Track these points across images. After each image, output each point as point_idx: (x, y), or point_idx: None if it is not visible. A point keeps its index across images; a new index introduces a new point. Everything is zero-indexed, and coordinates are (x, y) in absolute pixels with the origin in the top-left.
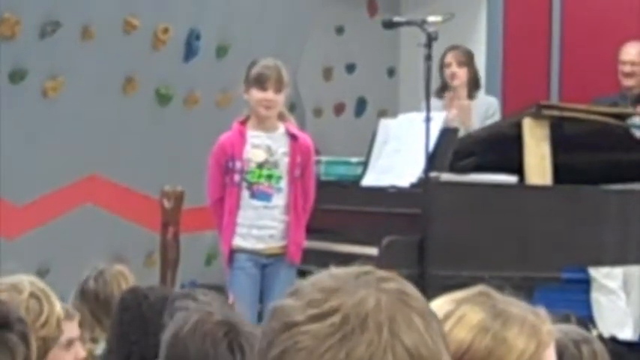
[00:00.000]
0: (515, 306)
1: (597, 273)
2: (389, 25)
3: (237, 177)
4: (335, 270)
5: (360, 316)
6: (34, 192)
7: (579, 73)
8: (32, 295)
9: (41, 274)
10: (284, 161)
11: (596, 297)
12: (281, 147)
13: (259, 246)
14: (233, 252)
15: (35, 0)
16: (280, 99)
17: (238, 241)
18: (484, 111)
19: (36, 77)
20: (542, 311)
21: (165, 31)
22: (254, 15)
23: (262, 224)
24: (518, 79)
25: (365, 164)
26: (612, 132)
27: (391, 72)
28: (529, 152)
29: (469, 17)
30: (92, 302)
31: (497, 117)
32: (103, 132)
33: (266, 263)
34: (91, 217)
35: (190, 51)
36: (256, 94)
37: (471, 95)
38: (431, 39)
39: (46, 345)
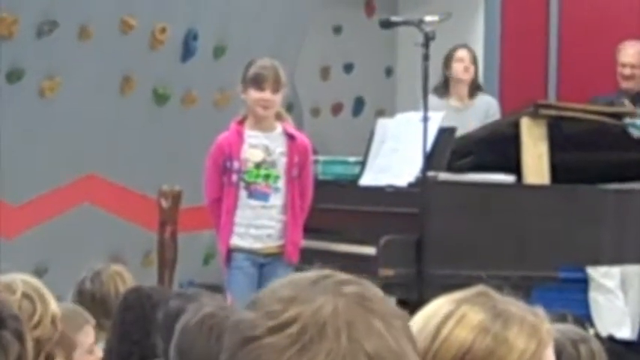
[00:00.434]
0: (514, 306)
1: (595, 272)
2: (386, 24)
3: (234, 177)
4: (294, 276)
5: (317, 324)
6: (32, 191)
7: (577, 72)
8: (25, 295)
9: (39, 273)
10: (281, 161)
11: (594, 296)
12: (278, 147)
13: (257, 245)
14: (230, 251)
15: None
16: (278, 99)
17: (236, 241)
18: (484, 111)
19: (33, 77)
20: (540, 310)
21: (163, 30)
22: (251, 15)
23: (260, 224)
24: (515, 79)
25: (362, 164)
26: (610, 131)
27: (389, 71)
28: (526, 151)
29: (466, 17)
30: (89, 302)
31: (496, 117)
32: (101, 132)
33: (264, 262)
34: (88, 216)
35: (188, 51)
36: (254, 94)
37: (471, 95)
38: (428, 39)
39: (40, 345)
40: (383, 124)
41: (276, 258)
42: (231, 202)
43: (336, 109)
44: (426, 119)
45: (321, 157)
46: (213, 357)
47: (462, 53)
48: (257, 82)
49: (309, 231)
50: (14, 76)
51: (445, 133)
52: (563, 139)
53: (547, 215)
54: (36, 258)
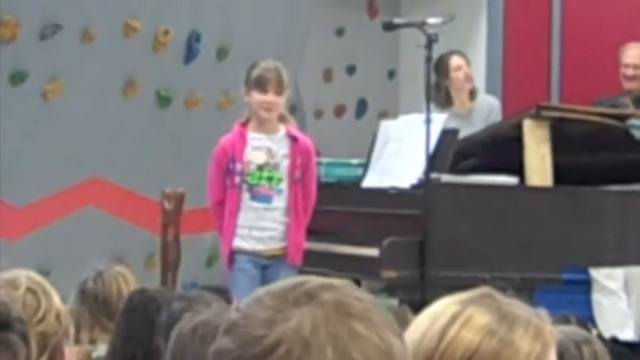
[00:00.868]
0: (519, 307)
1: (598, 274)
2: (389, 26)
3: (237, 179)
4: (260, 293)
5: (300, 342)
6: (35, 194)
7: (579, 74)
8: (29, 289)
9: (42, 275)
10: (284, 163)
11: (597, 298)
12: (281, 149)
13: (259, 247)
14: (233, 253)
15: (36, 2)
16: (281, 101)
17: (238, 243)
18: (487, 111)
19: (36, 79)
20: (543, 312)
21: (166, 33)
22: (254, 17)
23: (263, 226)
24: (518, 81)
25: (365, 166)
26: (612, 133)
27: (391, 74)
28: (529, 153)
29: (469, 19)
30: (91, 303)
31: (499, 119)
32: (104, 134)
33: (266, 264)
34: (91, 219)
35: (191, 53)
36: (257, 96)
37: (472, 97)
38: (431, 41)
39: (46, 340)
40: (386, 126)
41: (279, 260)
42: (234, 204)
43: (339, 111)
44: (428, 121)
45: (323, 159)
46: None
47: (458, 61)
48: (260, 84)
49: (312, 233)
50: (17, 78)
51: (448, 134)
52: (566, 140)
53: (550, 217)
54: (39, 260)
